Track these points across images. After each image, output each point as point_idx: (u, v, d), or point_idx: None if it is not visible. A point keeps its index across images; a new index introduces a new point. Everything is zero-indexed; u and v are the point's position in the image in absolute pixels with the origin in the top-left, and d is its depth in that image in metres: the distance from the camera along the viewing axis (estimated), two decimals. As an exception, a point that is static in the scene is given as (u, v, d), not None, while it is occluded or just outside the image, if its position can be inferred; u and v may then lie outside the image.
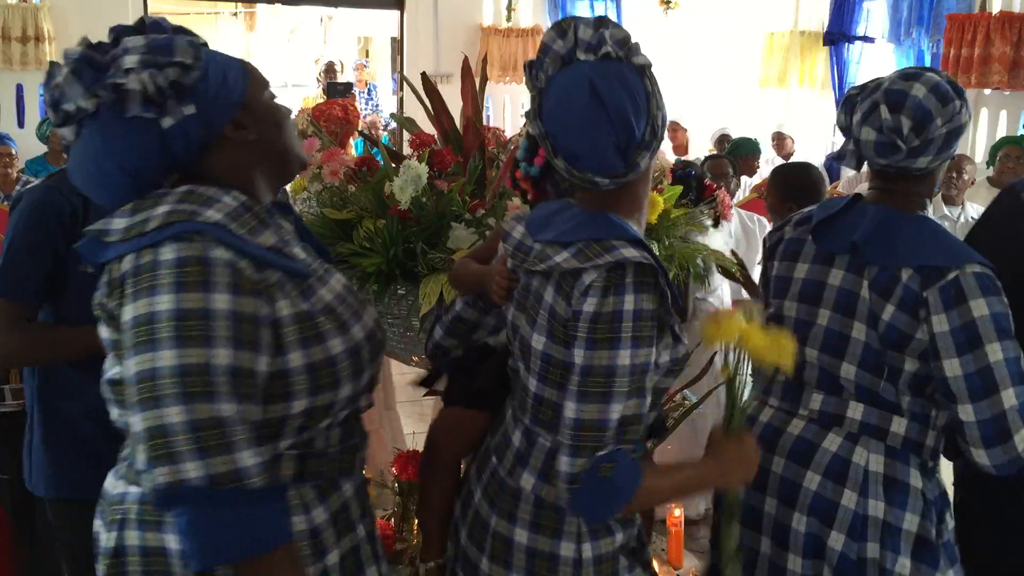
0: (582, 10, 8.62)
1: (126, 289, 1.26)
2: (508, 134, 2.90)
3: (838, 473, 1.74)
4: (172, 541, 1.31)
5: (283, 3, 9.93)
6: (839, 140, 7.94)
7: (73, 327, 1.91)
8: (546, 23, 8.63)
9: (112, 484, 1.43)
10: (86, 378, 1.67)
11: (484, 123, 2.61)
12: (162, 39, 1.34)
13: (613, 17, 8.69)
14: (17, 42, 7.18)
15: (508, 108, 8.65)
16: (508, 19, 8.60)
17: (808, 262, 1.87)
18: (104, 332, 1.35)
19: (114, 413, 1.39)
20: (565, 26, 1.47)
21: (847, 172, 6.86)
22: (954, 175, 5.46)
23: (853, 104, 1.80)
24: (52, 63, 1.36)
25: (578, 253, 1.41)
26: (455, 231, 2.23)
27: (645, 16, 8.92)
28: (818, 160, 6.39)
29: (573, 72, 1.44)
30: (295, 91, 12.58)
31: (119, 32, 1.36)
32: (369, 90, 9.94)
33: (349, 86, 8.58)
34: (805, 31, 8.51)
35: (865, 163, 1.81)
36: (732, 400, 1.60)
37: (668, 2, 8.90)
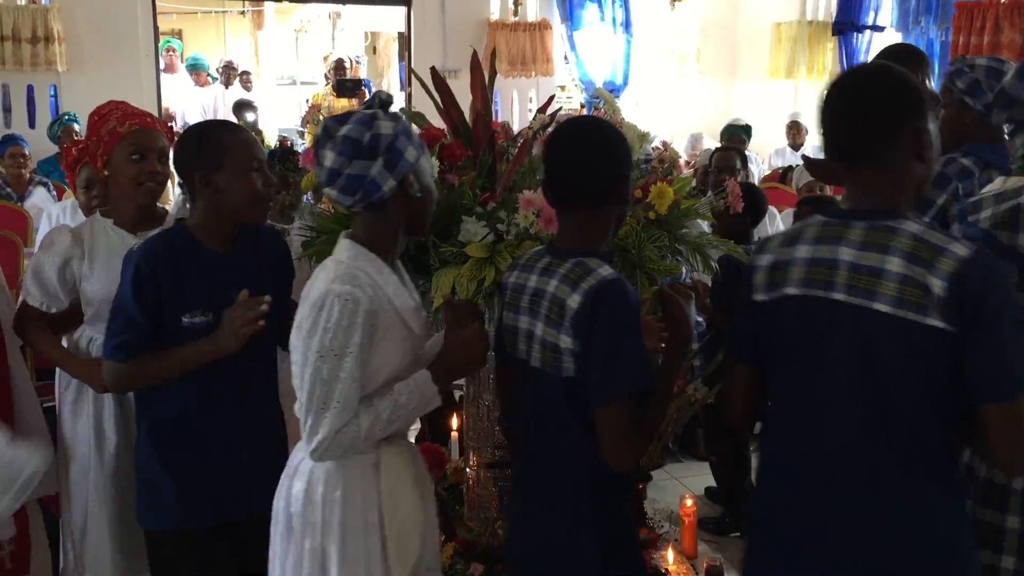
0: (590, 5, 8.61)
1: None
2: (516, 128, 2.91)
3: None
4: None
5: (291, 1, 9.95)
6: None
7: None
8: (553, 17, 8.61)
9: None
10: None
11: (493, 117, 2.62)
12: None
13: (620, 11, 8.68)
14: (27, 43, 7.20)
15: (516, 102, 8.64)
16: (515, 13, 8.59)
17: None
18: None
19: None
20: None
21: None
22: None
23: None
24: None
25: None
26: (466, 224, 2.25)
27: (652, 8, 8.90)
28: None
29: None
30: (304, 88, 12.60)
31: None
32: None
33: (359, 83, 8.57)
34: (813, 21, 8.48)
35: None
36: None
37: (675, -6, 8.89)
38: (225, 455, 2.17)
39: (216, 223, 2.14)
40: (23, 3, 7.39)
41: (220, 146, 2.10)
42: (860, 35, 8.01)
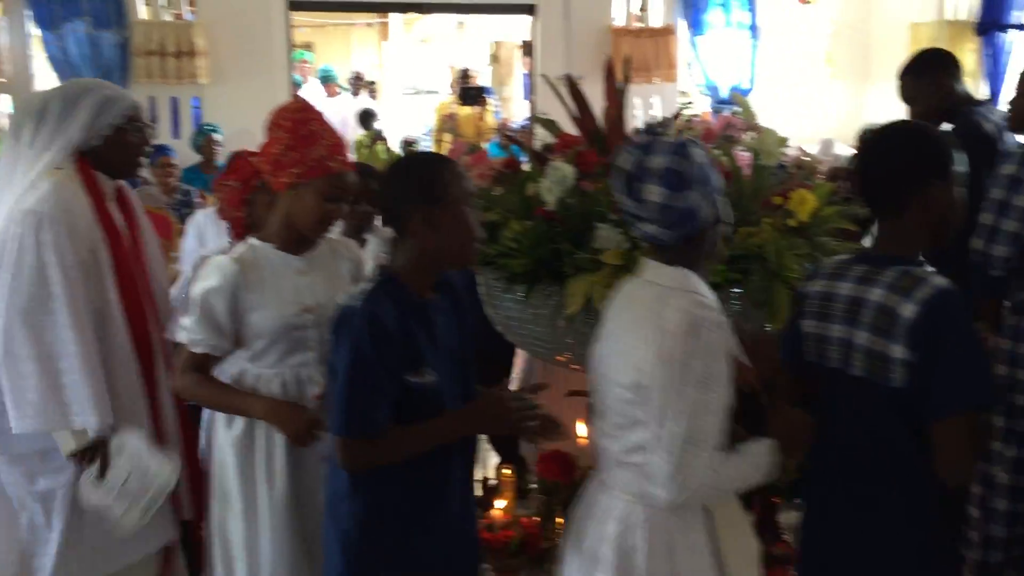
0: (714, 8, 8.46)
1: None
2: (647, 134, 2.88)
3: None
4: None
5: (416, 12, 10.17)
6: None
7: None
8: (678, 22, 8.52)
9: None
10: None
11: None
12: None
13: (747, 10, 8.51)
14: (172, 58, 7.59)
15: (640, 108, 8.58)
16: (640, 19, 8.53)
17: None
18: None
19: None
20: None
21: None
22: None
23: None
24: None
25: None
26: (600, 231, 2.24)
27: (780, 10, 8.69)
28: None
29: None
30: (427, 97, 12.86)
31: None
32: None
33: (482, 90, 8.70)
34: (953, 20, 8.10)
35: None
36: None
37: (806, -6, 8.66)
38: (457, 532, 2.01)
39: (427, 267, 1.95)
40: (169, 19, 7.81)
41: (439, 180, 1.90)
42: (1005, 35, 7.62)
